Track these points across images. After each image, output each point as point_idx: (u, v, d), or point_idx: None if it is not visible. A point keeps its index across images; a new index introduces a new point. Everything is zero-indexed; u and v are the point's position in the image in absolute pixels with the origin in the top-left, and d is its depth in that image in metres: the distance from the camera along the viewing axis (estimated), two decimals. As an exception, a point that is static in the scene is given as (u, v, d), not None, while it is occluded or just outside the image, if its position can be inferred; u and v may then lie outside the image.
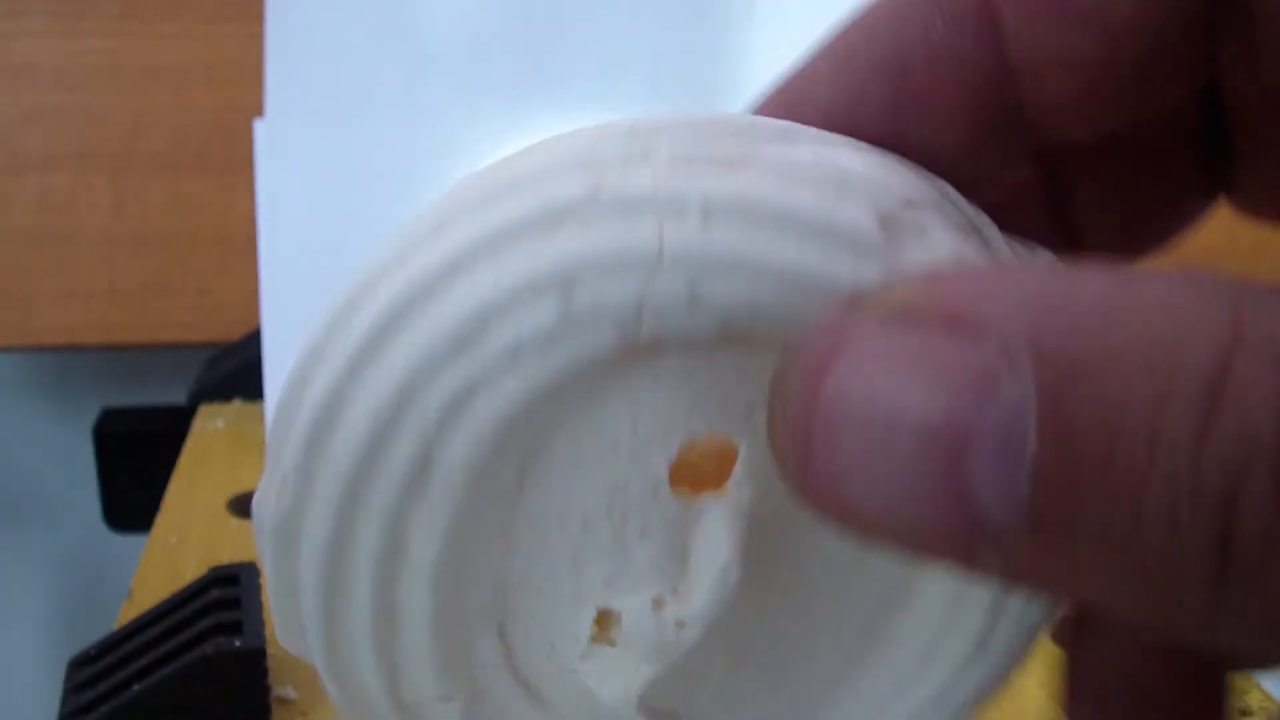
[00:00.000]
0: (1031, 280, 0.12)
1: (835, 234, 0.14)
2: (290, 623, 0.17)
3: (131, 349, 0.61)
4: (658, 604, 0.17)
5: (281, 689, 0.34)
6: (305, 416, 0.17)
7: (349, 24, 0.48)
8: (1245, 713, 0.34)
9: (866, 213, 0.15)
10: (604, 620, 0.17)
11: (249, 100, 0.59)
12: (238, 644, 0.32)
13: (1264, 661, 0.16)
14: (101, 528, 0.56)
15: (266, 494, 0.17)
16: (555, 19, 0.49)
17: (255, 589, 0.34)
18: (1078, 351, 0.11)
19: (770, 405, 0.14)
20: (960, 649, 0.17)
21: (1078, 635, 0.17)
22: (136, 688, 0.31)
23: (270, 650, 0.34)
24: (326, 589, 0.17)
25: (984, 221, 0.16)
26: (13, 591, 0.74)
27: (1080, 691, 0.17)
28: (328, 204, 0.49)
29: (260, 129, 0.49)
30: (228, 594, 0.34)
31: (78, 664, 0.34)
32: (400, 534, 0.16)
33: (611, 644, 0.17)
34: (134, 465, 0.55)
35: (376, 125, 0.49)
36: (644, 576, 0.17)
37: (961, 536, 0.12)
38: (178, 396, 0.56)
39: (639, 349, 0.15)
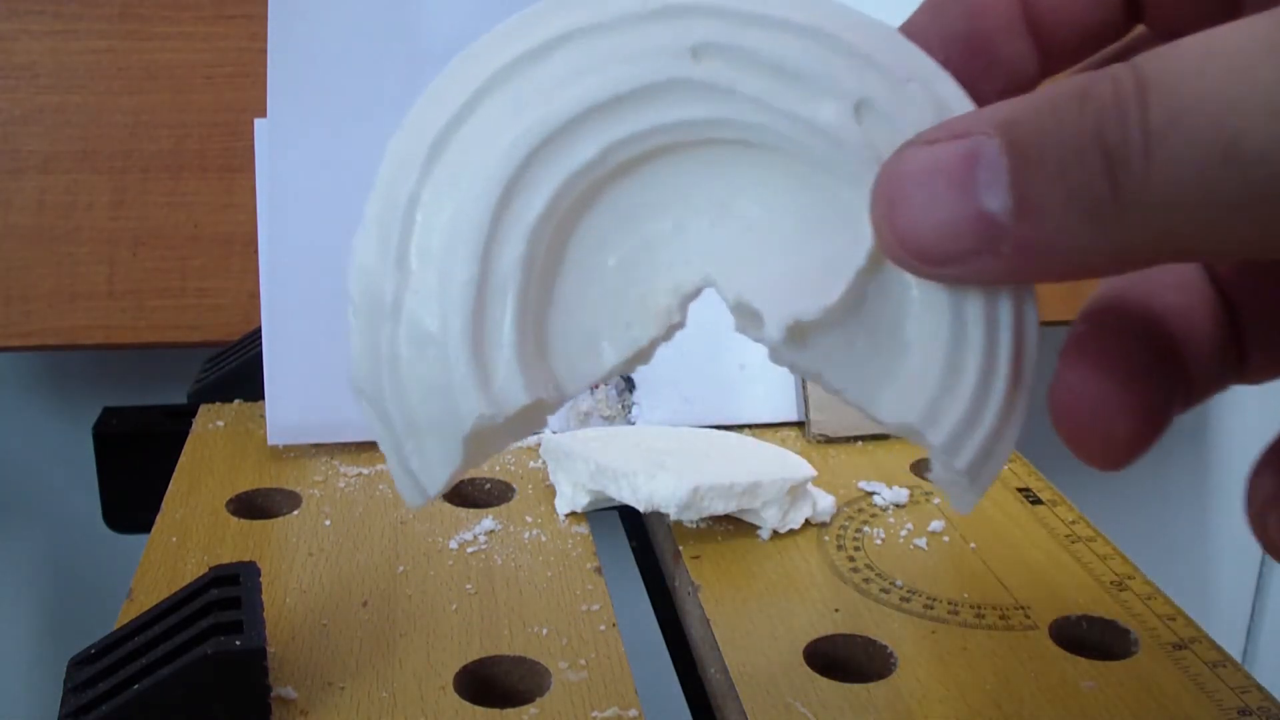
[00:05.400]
0: (988, 109, 0.22)
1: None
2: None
3: (131, 349, 0.61)
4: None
5: (281, 689, 0.34)
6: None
7: (350, 24, 0.48)
8: (1245, 712, 0.34)
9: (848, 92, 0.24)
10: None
11: (249, 100, 0.59)
12: (238, 644, 0.32)
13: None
14: (101, 528, 0.56)
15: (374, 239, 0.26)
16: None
17: (255, 589, 0.34)
18: (1016, 116, 0.21)
19: (872, 196, 0.23)
20: (973, 362, 0.24)
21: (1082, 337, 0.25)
22: (136, 688, 0.31)
23: (270, 650, 0.34)
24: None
25: (956, 98, 0.24)
26: (12, 591, 0.74)
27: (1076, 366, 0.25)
28: (328, 204, 0.49)
29: (260, 129, 0.49)
30: (228, 594, 0.34)
31: (78, 664, 0.34)
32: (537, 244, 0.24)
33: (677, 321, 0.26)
34: (134, 465, 0.55)
35: (377, 125, 0.49)
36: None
37: (979, 228, 0.21)
38: (178, 396, 0.56)
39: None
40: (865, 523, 0.45)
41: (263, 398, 0.49)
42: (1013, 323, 0.24)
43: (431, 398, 0.24)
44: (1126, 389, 0.24)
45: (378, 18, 0.48)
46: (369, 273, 0.26)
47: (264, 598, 0.34)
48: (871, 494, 0.47)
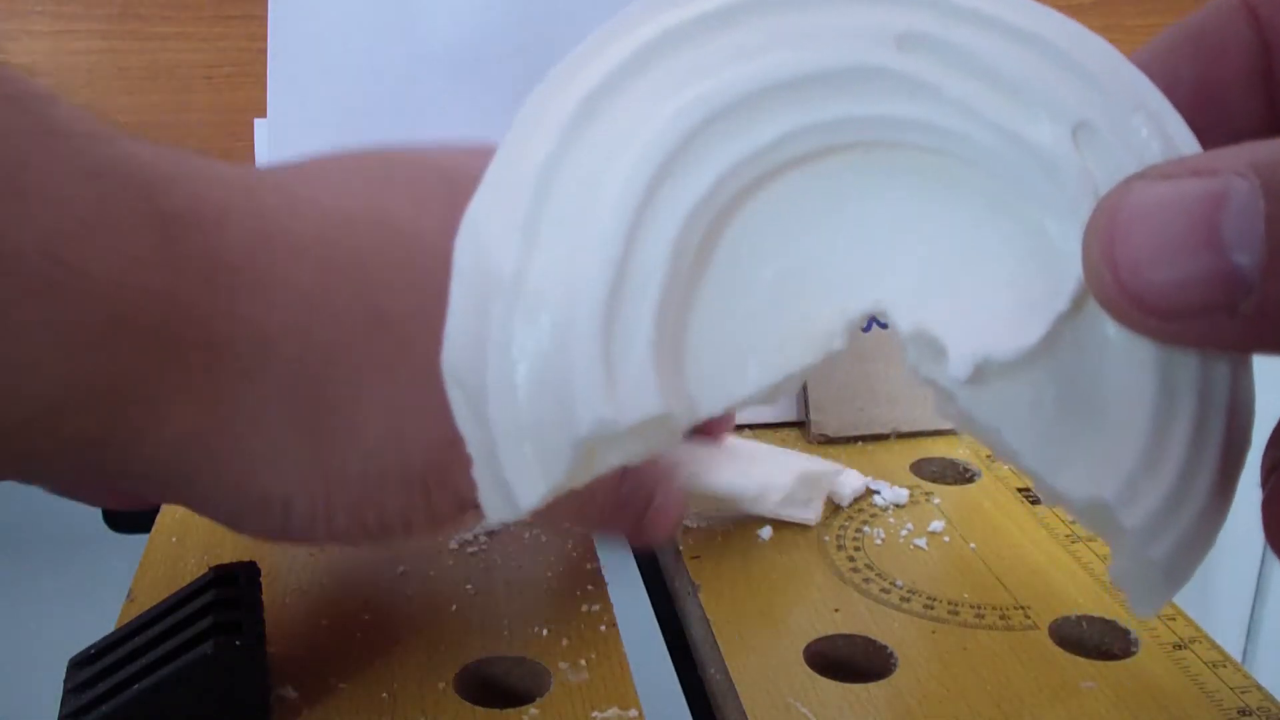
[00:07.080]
0: (1237, 147, 0.19)
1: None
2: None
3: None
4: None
5: (281, 689, 0.34)
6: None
7: (350, 24, 0.48)
8: (1245, 712, 0.34)
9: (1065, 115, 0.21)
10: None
11: (249, 100, 0.59)
12: (238, 644, 0.32)
13: None
14: (101, 528, 0.56)
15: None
16: (555, 18, 0.49)
17: (255, 588, 0.34)
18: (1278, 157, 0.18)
19: (1087, 231, 0.20)
20: (1182, 431, 0.20)
21: None
22: (136, 688, 0.31)
23: (270, 650, 0.34)
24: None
25: (1185, 138, 0.21)
26: (13, 591, 0.74)
27: None
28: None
29: (260, 129, 0.49)
30: (228, 594, 0.34)
31: (78, 664, 0.34)
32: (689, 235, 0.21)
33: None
34: (134, 465, 0.55)
35: (376, 125, 0.49)
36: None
37: (1219, 281, 0.18)
38: (178, 396, 0.56)
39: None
40: (865, 523, 0.45)
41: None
42: (1228, 397, 0.21)
43: (544, 393, 0.20)
44: None
45: (378, 18, 0.48)
46: (485, 241, 0.21)
47: (264, 598, 0.34)
48: (872, 494, 0.47)
